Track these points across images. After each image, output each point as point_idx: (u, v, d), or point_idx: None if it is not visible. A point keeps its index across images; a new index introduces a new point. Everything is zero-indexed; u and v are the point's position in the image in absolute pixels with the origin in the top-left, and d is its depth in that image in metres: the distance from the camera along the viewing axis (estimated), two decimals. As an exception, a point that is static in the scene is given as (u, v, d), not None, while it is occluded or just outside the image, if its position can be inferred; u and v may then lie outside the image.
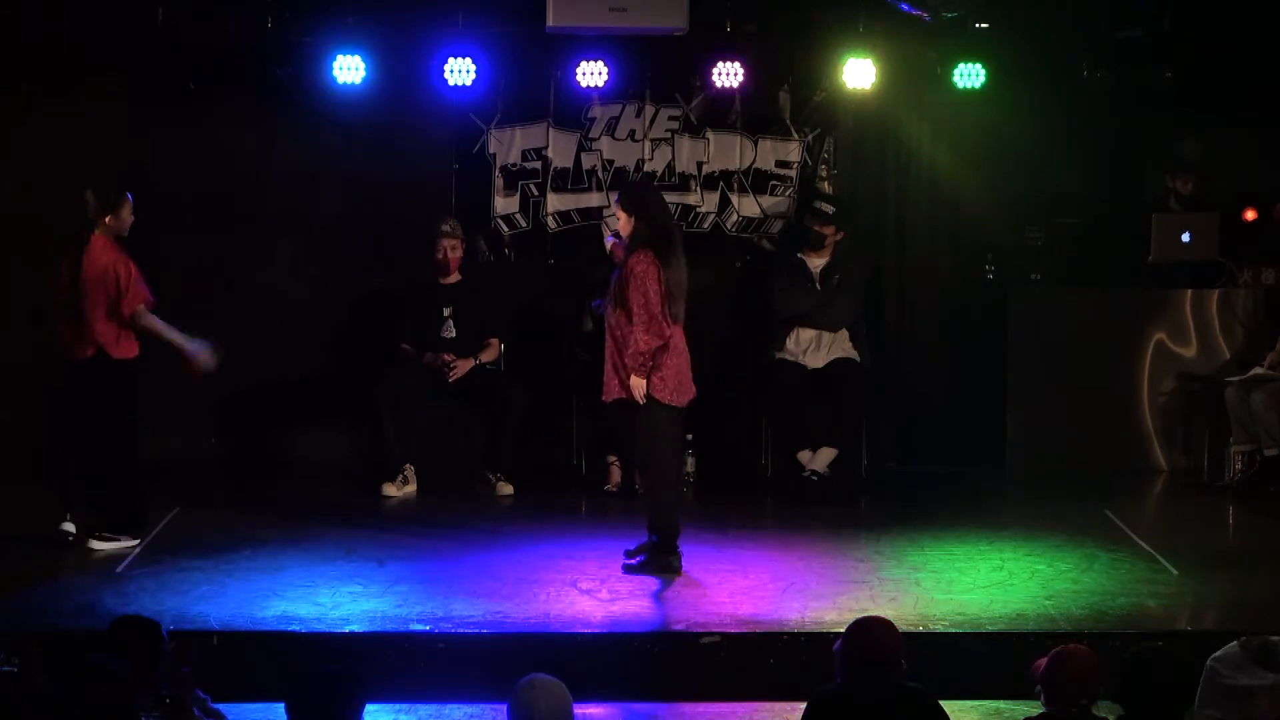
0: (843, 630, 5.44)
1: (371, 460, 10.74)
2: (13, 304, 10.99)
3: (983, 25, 10.85)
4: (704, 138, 11.46)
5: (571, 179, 11.42)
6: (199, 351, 9.19)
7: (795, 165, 11.49)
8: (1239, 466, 10.60)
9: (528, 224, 11.45)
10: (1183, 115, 11.30)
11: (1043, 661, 5.57)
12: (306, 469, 11.19)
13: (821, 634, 7.19)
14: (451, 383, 10.55)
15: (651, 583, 8.38)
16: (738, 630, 7.60)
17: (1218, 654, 5.71)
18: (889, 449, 11.36)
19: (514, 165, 11.42)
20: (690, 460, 10.76)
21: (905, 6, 10.69)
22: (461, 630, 7.54)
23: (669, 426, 8.49)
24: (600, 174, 11.41)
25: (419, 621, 7.63)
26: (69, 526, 9.02)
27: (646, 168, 11.41)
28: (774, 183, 11.51)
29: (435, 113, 11.21)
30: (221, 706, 6.07)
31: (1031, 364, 11.22)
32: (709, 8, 10.50)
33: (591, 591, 8.21)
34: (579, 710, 4.97)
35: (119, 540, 8.95)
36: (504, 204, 11.44)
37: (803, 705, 5.37)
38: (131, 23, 10.58)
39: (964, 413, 11.34)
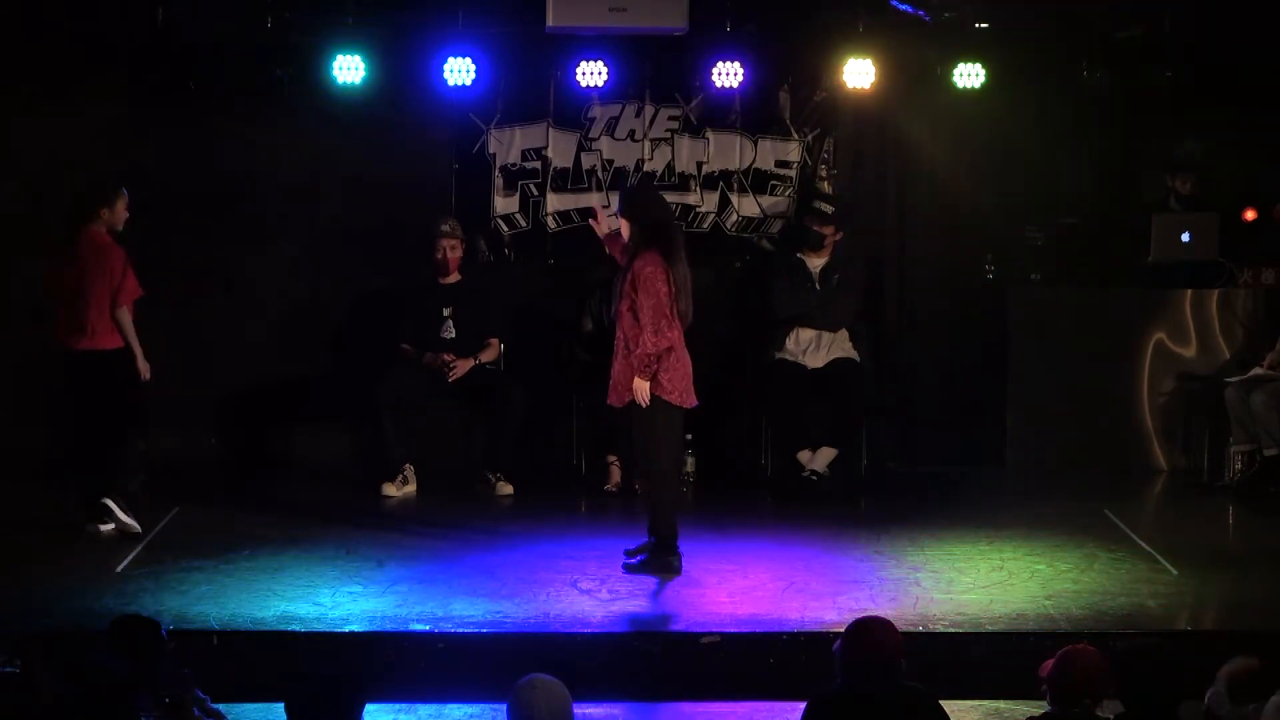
0: (843, 630, 5.44)
1: (371, 460, 10.74)
2: (13, 304, 11.00)
3: (983, 25, 10.85)
4: (704, 138, 11.46)
5: (571, 179, 11.42)
6: (145, 368, 9.40)
7: (795, 165, 11.49)
8: (1239, 466, 10.60)
9: (528, 224, 11.45)
10: (1183, 115, 11.30)
11: (1050, 662, 5.57)
12: (306, 469, 11.19)
13: (821, 634, 7.20)
14: (451, 383, 10.55)
15: (651, 583, 8.38)
16: (738, 630, 7.60)
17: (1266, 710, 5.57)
18: (889, 449, 11.36)
19: (514, 165, 11.42)
20: (690, 460, 10.76)
21: (905, 7, 10.69)
22: (461, 630, 7.55)
23: (672, 428, 8.50)
24: (600, 174, 11.41)
25: (419, 621, 7.63)
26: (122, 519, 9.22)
27: (646, 168, 11.41)
28: (774, 183, 11.51)
29: (435, 113, 11.21)
30: (221, 706, 6.07)
31: (1031, 364, 11.22)
32: (709, 8, 10.50)
33: (591, 591, 8.21)
34: (579, 710, 4.97)
35: (124, 518, 9.17)
36: (504, 204, 11.43)
37: (803, 705, 5.37)
38: (131, 23, 10.58)
39: (964, 413, 11.34)
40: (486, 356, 10.73)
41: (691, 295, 8.51)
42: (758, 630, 7.60)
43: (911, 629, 7.36)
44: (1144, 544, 9.13)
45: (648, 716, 7.27)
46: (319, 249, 11.35)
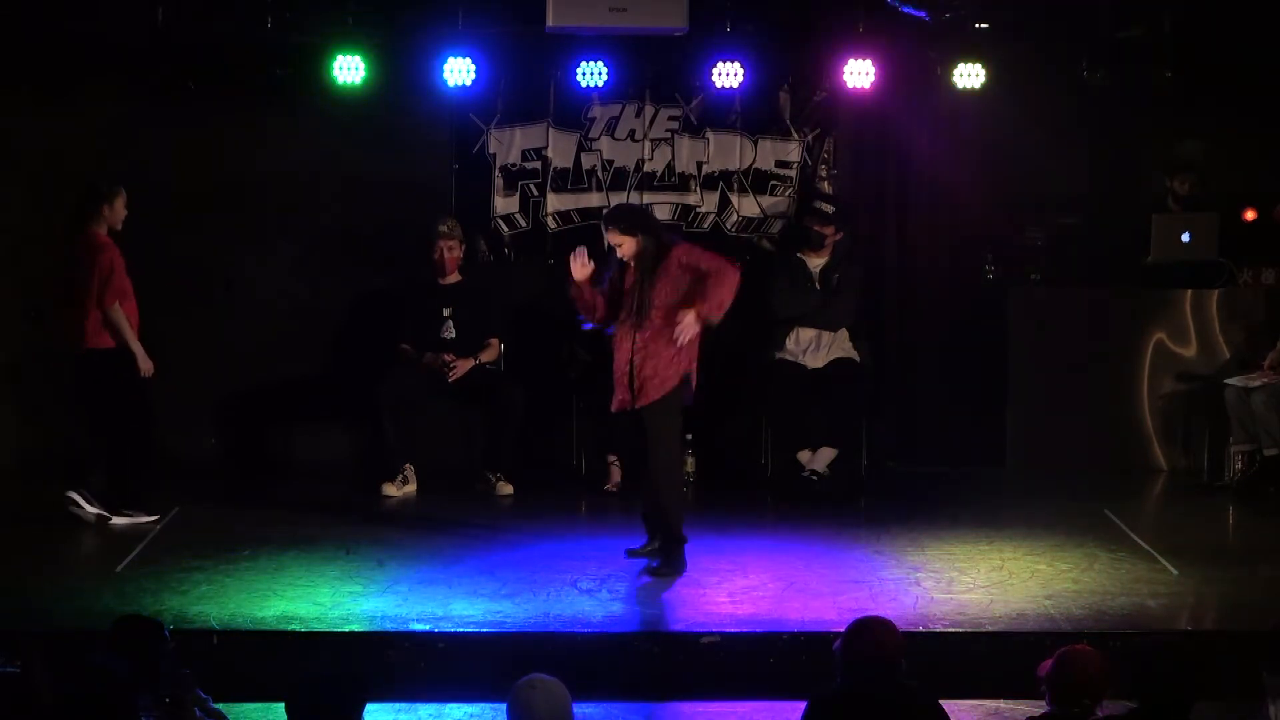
0: (843, 630, 5.44)
1: (371, 460, 10.74)
2: (13, 303, 11.00)
3: (983, 25, 10.85)
4: (704, 138, 11.46)
5: (571, 179, 11.42)
6: (146, 366, 9.47)
7: (795, 165, 11.49)
8: (1239, 466, 10.60)
9: (528, 224, 11.45)
10: (1183, 115, 11.30)
11: (1049, 663, 5.57)
12: (306, 469, 11.19)
13: (821, 634, 7.19)
14: (451, 383, 10.55)
15: (651, 583, 8.38)
16: (738, 630, 7.60)
17: None
18: (889, 449, 11.36)
19: (514, 165, 11.42)
20: (690, 460, 10.77)
21: (905, 7, 10.69)
22: (461, 630, 7.54)
23: (680, 426, 8.55)
24: (600, 174, 11.41)
25: (419, 621, 7.62)
26: (87, 510, 9.34)
27: (646, 168, 11.41)
28: (774, 183, 11.51)
29: (435, 113, 11.21)
30: (221, 706, 6.07)
31: (1031, 364, 11.23)
32: (709, 8, 10.51)
33: (591, 591, 8.21)
34: (579, 710, 4.97)
35: (136, 516, 9.33)
36: (504, 204, 11.44)
37: (803, 705, 5.37)
38: (131, 23, 10.57)
39: (964, 412, 11.34)
40: (486, 356, 10.73)
41: None
42: (758, 630, 7.60)
43: (911, 629, 7.35)
44: (1144, 544, 9.13)
45: (648, 716, 7.27)
46: (319, 249, 11.35)
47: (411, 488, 10.47)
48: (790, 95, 11.45)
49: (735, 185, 11.48)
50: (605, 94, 11.16)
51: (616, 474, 10.54)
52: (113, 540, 9.03)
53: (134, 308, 9.46)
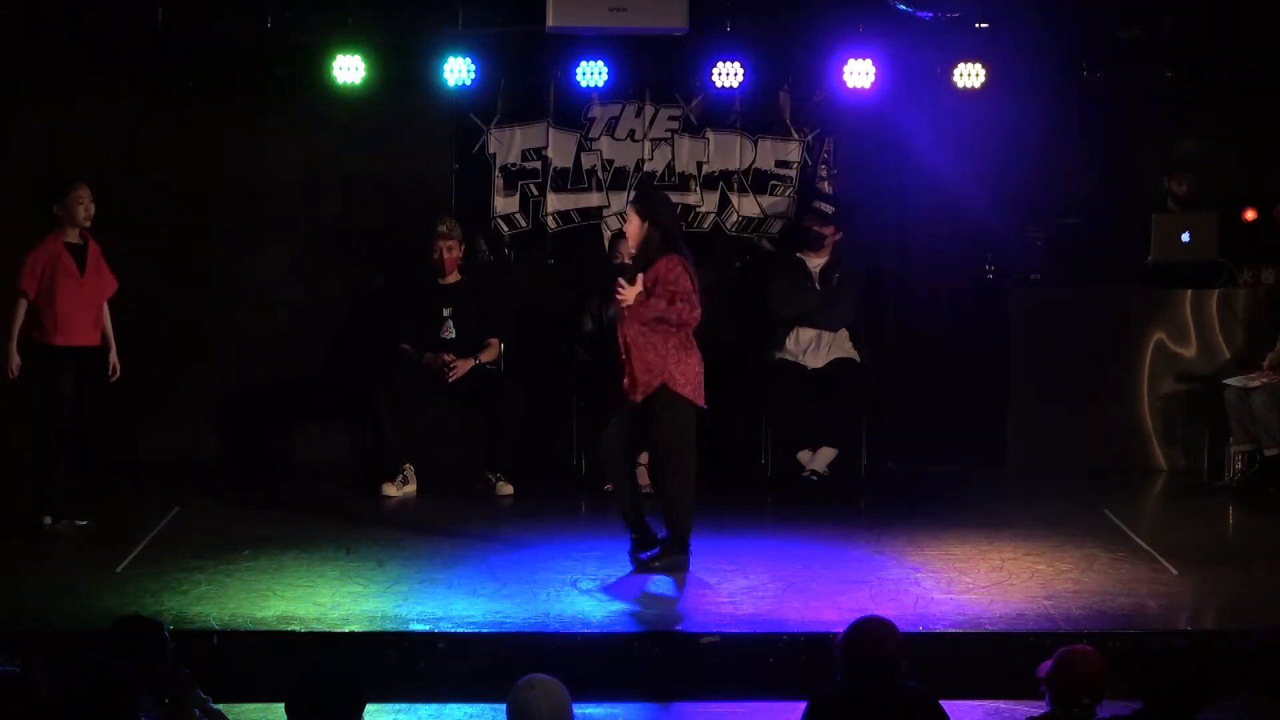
0: (843, 630, 5.44)
1: (371, 460, 10.75)
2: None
3: (983, 25, 10.85)
4: (704, 138, 11.46)
5: (571, 179, 11.42)
6: (11, 364, 9.27)
7: (795, 165, 11.49)
8: (1239, 466, 10.61)
9: (528, 224, 11.45)
10: (1183, 115, 11.30)
11: (1048, 663, 5.57)
12: (306, 469, 11.19)
13: (821, 634, 7.19)
14: (451, 383, 10.55)
15: (652, 582, 8.38)
16: (738, 630, 7.60)
17: None
18: (889, 449, 11.35)
19: (514, 165, 11.42)
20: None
21: (905, 7, 10.69)
22: (461, 630, 7.54)
23: (691, 426, 8.50)
24: (600, 174, 11.42)
25: (419, 621, 7.62)
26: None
27: (646, 168, 11.42)
28: (774, 183, 11.51)
29: (435, 113, 11.22)
30: (221, 706, 6.07)
31: (1031, 364, 11.23)
32: (709, 8, 10.51)
33: (591, 591, 8.21)
34: (579, 710, 4.97)
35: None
36: (504, 204, 11.44)
37: (803, 705, 5.37)
38: (131, 23, 10.58)
39: (964, 412, 11.34)
40: (486, 356, 10.72)
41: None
42: (758, 630, 7.60)
43: (911, 629, 7.35)
44: (1144, 544, 9.13)
45: (648, 716, 7.27)
46: (319, 249, 11.35)
47: (411, 488, 10.47)
48: (790, 95, 11.45)
49: (735, 185, 11.49)
50: (605, 94, 11.17)
51: (616, 474, 10.53)
52: (113, 540, 9.01)
53: (55, 311, 9.19)
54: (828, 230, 10.84)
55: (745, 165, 11.49)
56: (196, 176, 11.13)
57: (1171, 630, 7.64)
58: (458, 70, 10.67)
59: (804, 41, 11.02)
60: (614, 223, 11.23)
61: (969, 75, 10.84)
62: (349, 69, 10.59)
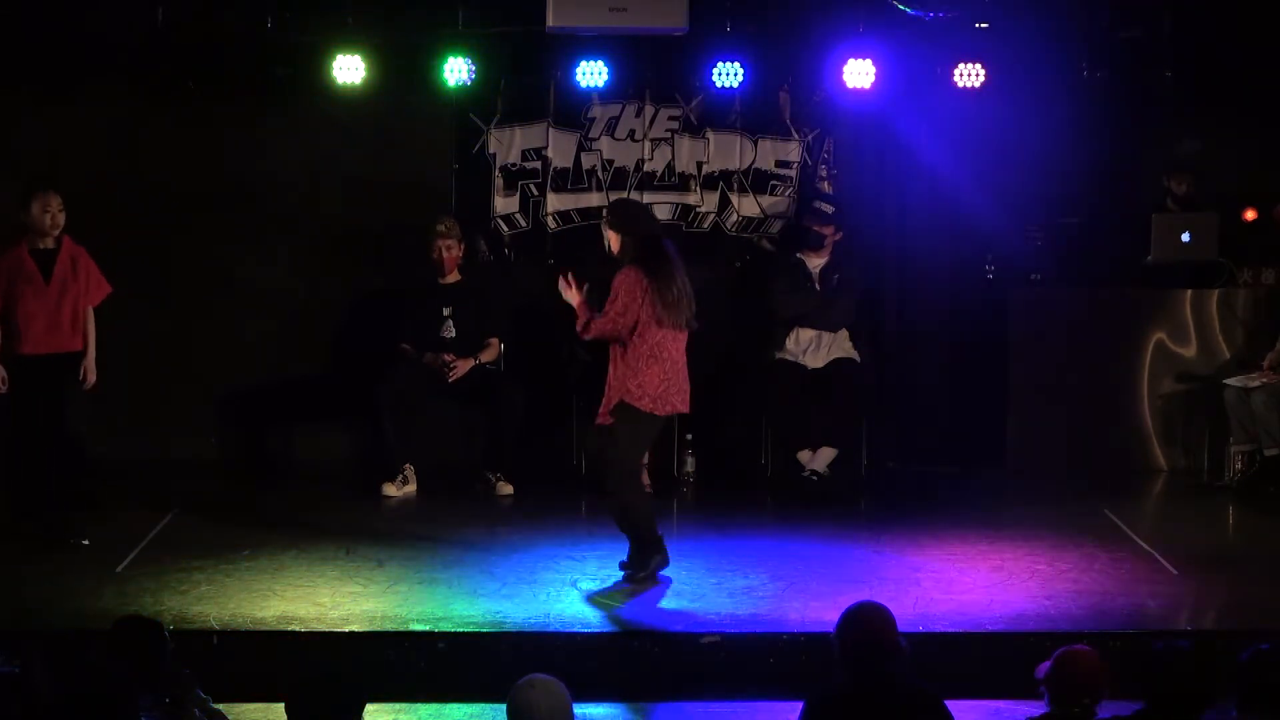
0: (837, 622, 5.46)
1: (371, 460, 10.74)
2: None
3: (983, 25, 10.85)
4: (704, 138, 11.46)
5: (571, 179, 11.42)
6: None
7: (795, 165, 11.49)
8: (1239, 466, 10.61)
9: (528, 224, 11.45)
10: (1183, 115, 11.30)
11: (1046, 664, 5.57)
12: (306, 469, 11.19)
13: (821, 634, 7.16)
14: (451, 383, 10.55)
15: (651, 583, 8.37)
16: (738, 630, 7.60)
17: None
18: (889, 449, 11.35)
19: (514, 165, 11.42)
20: (690, 460, 10.78)
21: (905, 8, 10.69)
22: (461, 630, 7.54)
23: (635, 433, 8.33)
24: (600, 174, 11.41)
25: (419, 621, 7.63)
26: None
27: (646, 168, 11.42)
28: (774, 183, 11.51)
29: (435, 113, 11.21)
30: (221, 706, 6.07)
31: (1031, 364, 11.22)
32: (709, 8, 10.51)
33: (591, 592, 8.21)
34: (579, 710, 4.97)
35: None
36: (504, 204, 11.44)
37: (802, 705, 5.37)
38: (131, 23, 10.58)
39: (964, 412, 11.34)
40: (486, 356, 10.73)
41: (691, 305, 8.41)
42: (758, 630, 7.60)
43: (911, 629, 7.34)
44: (1144, 544, 9.13)
45: (648, 716, 7.27)
46: (319, 249, 11.35)
47: (411, 488, 10.47)
48: (790, 95, 11.45)
49: (735, 185, 11.48)
50: (605, 94, 11.16)
51: (616, 474, 10.52)
52: (113, 540, 9.00)
53: (16, 320, 9.03)
54: (827, 230, 10.84)
55: (745, 165, 11.49)
56: (196, 176, 11.13)
57: (1172, 630, 7.64)
58: (458, 70, 10.66)
59: (804, 41, 11.02)
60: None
61: (969, 75, 10.83)
62: (349, 69, 10.58)
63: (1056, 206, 11.41)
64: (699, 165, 11.47)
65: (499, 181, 11.42)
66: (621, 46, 10.82)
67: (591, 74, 10.81)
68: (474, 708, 7.14)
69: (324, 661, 7.06)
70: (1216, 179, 11.39)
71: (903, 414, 11.47)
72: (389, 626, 7.58)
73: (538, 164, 11.41)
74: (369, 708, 5.04)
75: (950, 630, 7.60)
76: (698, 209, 11.48)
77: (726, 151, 11.47)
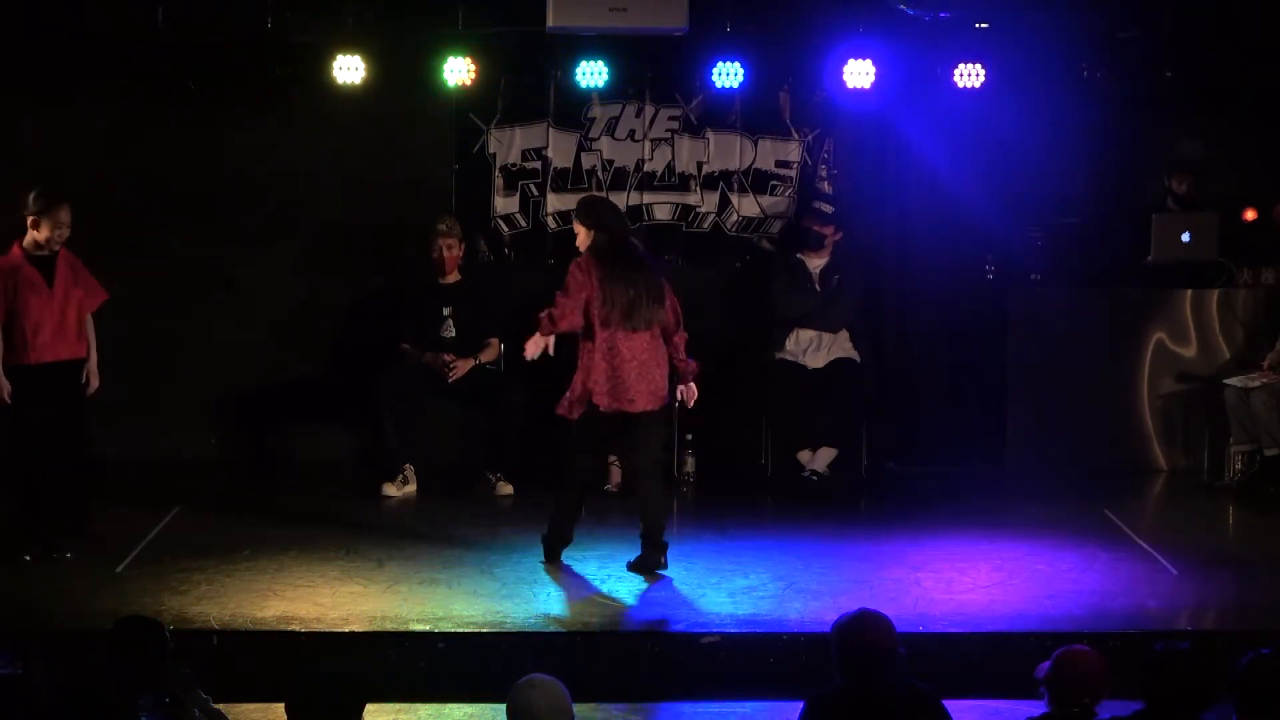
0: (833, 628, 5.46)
1: (371, 460, 10.74)
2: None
3: (983, 25, 10.85)
4: (704, 138, 11.46)
5: (571, 179, 11.41)
6: (4, 388, 8.72)
7: (795, 165, 11.49)
8: (1239, 466, 10.60)
9: (528, 224, 11.45)
10: (1183, 115, 11.30)
11: (1046, 664, 5.57)
12: (306, 469, 11.19)
13: (821, 634, 7.16)
14: (451, 383, 10.55)
15: (651, 583, 8.38)
16: (738, 630, 7.60)
17: None
18: (889, 449, 11.35)
19: (514, 165, 11.42)
20: (690, 460, 10.78)
21: (905, 8, 10.68)
22: (461, 630, 7.54)
23: (580, 426, 8.52)
24: (600, 174, 11.41)
25: (419, 621, 7.63)
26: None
27: (646, 168, 11.41)
28: (774, 183, 11.51)
29: (435, 113, 11.21)
30: (221, 706, 6.07)
31: (1031, 364, 11.22)
32: (709, 8, 10.50)
33: (592, 591, 8.21)
34: (580, 711, 4.97)
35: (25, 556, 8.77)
36: (504, 204, 11.43)
37: (802, 705, 5.37)
38: (131, 23, 10.57)
39: (964, 412, 11.33)
40: (486, 356, 10.73)
41: (655, 308, 8.44)
42: (758, 630, 7.60)
43: (911, 629, 7.35)
44: (1144, 544, 9.13)
45: (648, 716, 7.27)
46: (319, 249, 11.35)
47: (411, 488, 10.47)
48: (790, 95, 11.45)
49: (735, 185, 11.48)
50: (605, 94, 11.16)
51: (616, 474, 10.53)
52: (113, 540, 9.00)
53: (22, 328, 8.72)
54: (827, 230, 10.84)
55: (745, 165, 11.49)
56: (196, 176, 11.12)
57: (1172, 630, 7.63)
58: (458, 70, 10.66)
59: (804, 41, 11.01)
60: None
61: (969, 75, 10.82)
62: (349, 69, 10.58)
63: (1056, 206, 11.41)
64: (699, 165, 11.47)
65: (499, 181, 11.42)
66: (621, 46, 10.81)
67: (591, 74, 10.80)
68: (474, 708, 7.14)
69: (324, 661, 7.08)
70: (1216, 179, 11.38)
71: (903, 414, 11.47)
72: (389, 626, 7.59)
73: (538, 164, 11.41)
74: (369, 708, 5.04)
75: (950, 630, 7.60)
76: (698, 209, 11.48)
77: (726, 151, 11.46)
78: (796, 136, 11.48)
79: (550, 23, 10.23)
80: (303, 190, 11.26)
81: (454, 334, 10.70)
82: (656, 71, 11.28)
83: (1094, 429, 11.18)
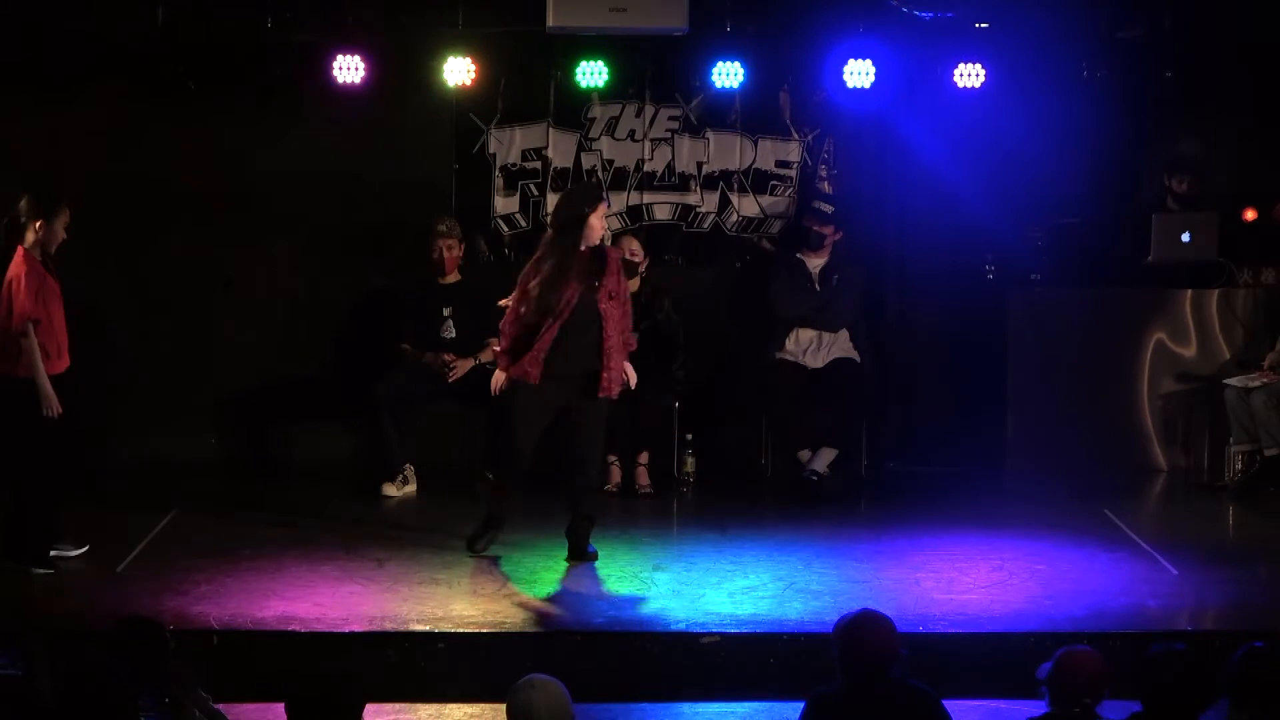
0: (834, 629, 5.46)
1: (371, 460, 10.74)
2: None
3: (983, 25, 10.85)
4: (704, 138, 11.46)
5: (571, 179, 11.40)
6: (48, 402, 8.31)
7: (795, 165, 11.49)
8: (1239, 466, 10.61)
9: (528, 224, 11.44)
10: (1183, 115, 11.30)
11: (1048, 664, 5.57)
12: (306, 469, 11.19)
13: (821, 634, 7.17)
14: (451, 383, 10.55)
15: (652, 583, 8.38)
16: (738, 630, 7.60)
17: None
18: (889, 449, 11.36)
19: (514, 165, 11.42)
20: (690, 460, 10.77)
21: (905, 8, 10.69)
22: (461, 630, 7.54)
23: (518, 406, 8.77)
24: (600, 174, 11.41)
25: (419, 621, 7.62)
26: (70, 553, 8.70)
27: (646, 168, 11.42)
28: (774, 183, 11.51)
29: (435, 113, 11.21)
30: (221, 706, 6.07)
31: (1031, 364, 11.22)
32: (709, 8, 10.50)
33: (592, 591, 8.21)
34: (580, 710, 4.97)
35: (65, 550, 8.62)
36: (504, 204, 11.44)
37: (803, 706, 5.37)
38: (131, 23, 10.57)
39: (964, 413, 11.33)
40: (486, 356, 10.71)
41: (555, 295, 8.71)
42: (758, 630, 7.60)
43: (911, 629, 7.35)
44: (1144, 544, 9.13)
45: (648, 716, 7.27)
46: (319, 249, 11.34)
47: (411, 488, 10.47)
48: (790, 95, 11.45)
49: (735, 185, 11.48)
50: (605, 94, 11.17)
51: (616, 474, 10.54)
52: (113, 540, 9.00)
53: (52, 335, 8.41)
54: (827, 230, 10.84)
55: (745, 165, 11.49)
56: (196, 176, 11.12)
57: (1172, 630, 7.63)
58: (458, 70, 10.66)
59: (804, 41, 11.01)
60: (614, 223, 11.22)
61: (969, 75, 10.83)
62: (349, 69, 10.58)
63: (1056, 206, 11.41)
64: (699, 165, 11.47)
65: (499, 181, 11.42)
66: (621, 46, 10.81)
67: (591, 74, 10.81)
68: (474, 708, 7.14)
69: (324, 661, 7.08)
70: (1216, 179, 11.38)
71: (903, 414, 11.47)
72: (389, 626, 7.58)
73: (538, 164, 11.41)
74: (369, 708, 5.04)
75: (950, 630, 7.60)
76: (698, 209, 11.48)
77: (726, 151, 11.46)
78: (796, 136, 11.48)
79: (550, 23, 10.24)
80: (302, 190, 11.25)
81: (454, 334, 10.70)
82: (656, 71, 11.29)
83: (1094, 429, 11.18)
